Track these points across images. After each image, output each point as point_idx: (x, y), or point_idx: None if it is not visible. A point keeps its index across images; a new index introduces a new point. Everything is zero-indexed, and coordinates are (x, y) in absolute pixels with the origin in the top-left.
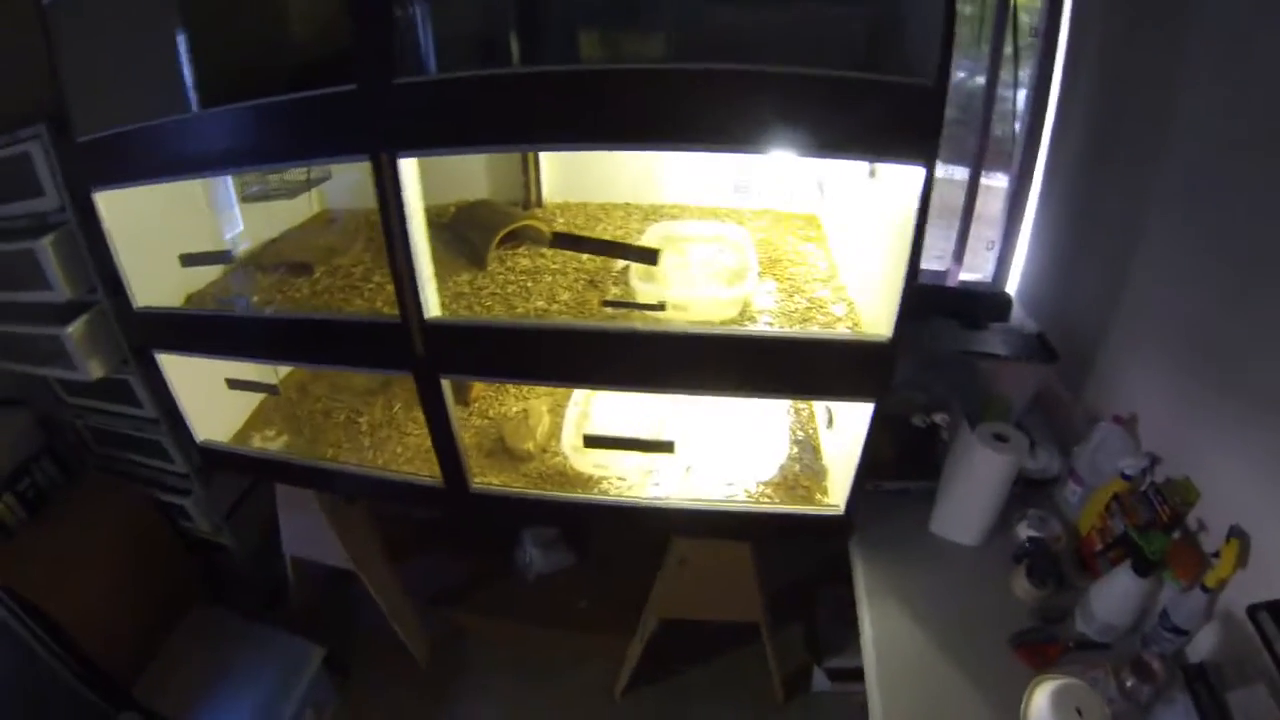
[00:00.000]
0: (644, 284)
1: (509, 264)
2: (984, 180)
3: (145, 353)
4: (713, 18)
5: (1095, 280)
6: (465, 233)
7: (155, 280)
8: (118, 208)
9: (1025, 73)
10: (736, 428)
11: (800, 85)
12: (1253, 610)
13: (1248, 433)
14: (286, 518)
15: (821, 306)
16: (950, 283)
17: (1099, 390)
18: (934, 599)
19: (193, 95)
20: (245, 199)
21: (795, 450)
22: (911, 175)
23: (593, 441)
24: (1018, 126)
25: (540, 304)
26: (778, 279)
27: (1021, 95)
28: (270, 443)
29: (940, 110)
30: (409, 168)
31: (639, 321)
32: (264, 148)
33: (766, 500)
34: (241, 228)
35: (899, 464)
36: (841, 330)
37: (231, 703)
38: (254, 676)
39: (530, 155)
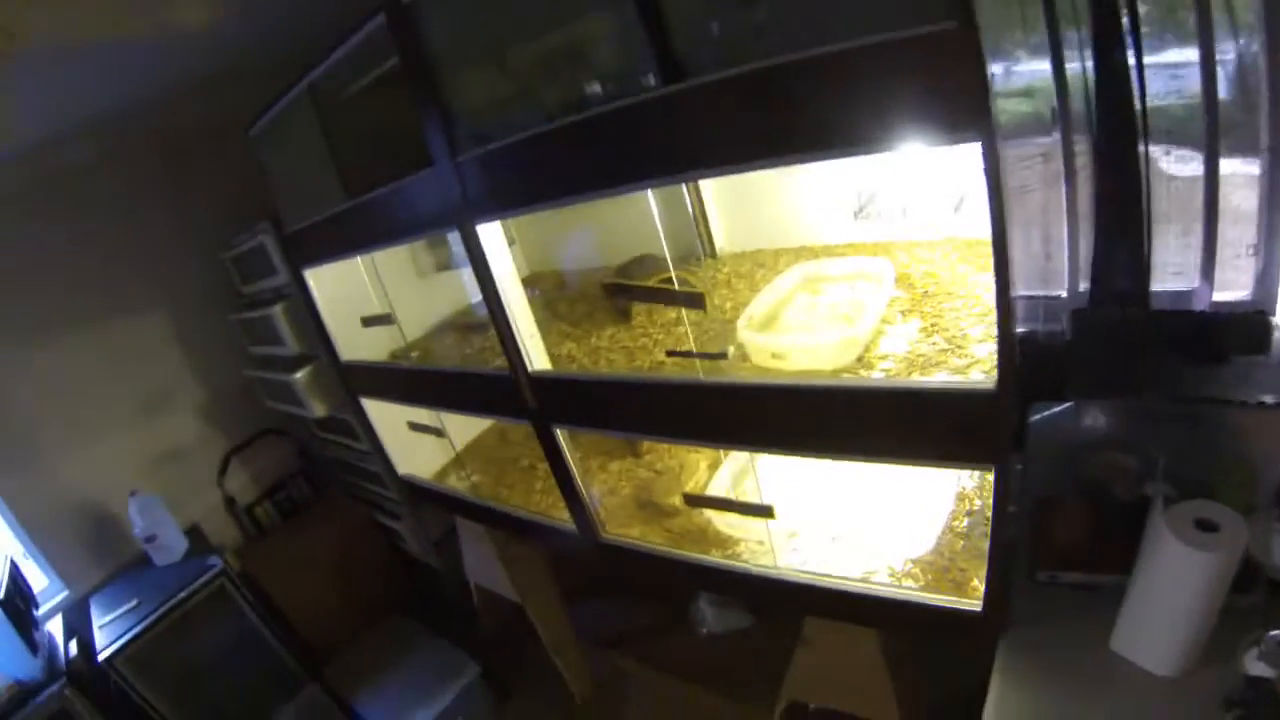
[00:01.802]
0: (753, 333)
1: (655, 317)
2: (1234, 169)
3: (354, 397)
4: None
5: None
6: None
7: (360, 338)
8: (324, 281)
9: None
10: (902, 495)
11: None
12: None
13: None
14: (467, 547)
15: (961, 348)
16: (1199, 305)
17: None
18: None
19: (342, 190)
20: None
21: (964, 524)
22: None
23: (692, 500)
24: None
25: (660, 357)
26: (924, 317)
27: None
28: (463, 481)
29: (976, 59)
30: (491, 232)
31: (704, 373)
32: (390, 228)
33: (910, 583)
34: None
35: (1089, 550)
36: (940, 377)
37: (389, 696)
38: (417, 679)
39: (697, 207)
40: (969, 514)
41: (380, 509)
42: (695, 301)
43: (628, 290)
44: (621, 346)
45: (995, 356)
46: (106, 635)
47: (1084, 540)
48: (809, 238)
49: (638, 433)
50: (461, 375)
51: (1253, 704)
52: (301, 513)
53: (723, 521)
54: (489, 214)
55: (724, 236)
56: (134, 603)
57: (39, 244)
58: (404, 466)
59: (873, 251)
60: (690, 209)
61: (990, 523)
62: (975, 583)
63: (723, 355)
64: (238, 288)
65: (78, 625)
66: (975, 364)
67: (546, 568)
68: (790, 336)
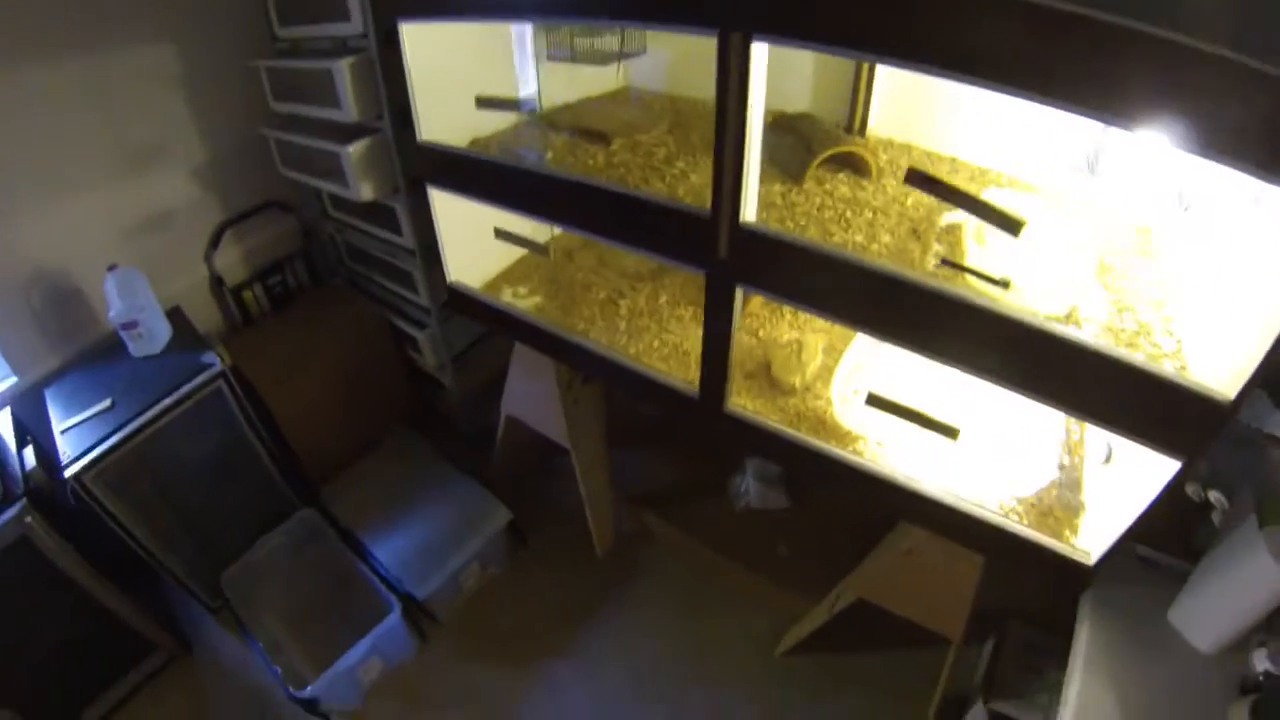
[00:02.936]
0: (981, 249)
1: (827, 187)
2: None
3: (419, 185)
4: None
5: None
6: (785, 142)
7: (442, 118)
8: (420, 41)
9: None
10: (1011, 431)
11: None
12: None
13: None
14: (516, 378)
15: (1149, 334)
16: None
17: None
18: (1149, 699)
19: None
20: (550, 59)
21: (1058, 475)
22: None
23: (875, 401)
24: None
25: (859, 239)
26: (1107, 289)
27: None
28: (521, 300)
29: None
30: (761, 54)
31: (967, 292)
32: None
33: (1015, 518)
34: (535, 87)
35: (1161, 531)
36: (1179, 370)
37: (404, 532)
38: (434, 517)
39: (864, 79)
40: (1060, 468)
41: (398, 312)
42: (1011, 226)
43: (932, 184)
44: (803, 212)
45: (1177, 354)
46: (73, 443)
47: (1158, 521)
48: (961, 151)
49: (832, 315)
50: (631, 199)
51: (1264, 692)
52: (297, 303)
53: (851, 416)
54: (770, 33)
55: (878, 116)
56: (106, 402)
57: None
58: (455, 274)
59: (1029, 191)
60: (856, 79)
61: (1151, 500)
62: (1067, 532)
63: (1004, 284)
64: (273, 29)
65: (32, 425)
66: (1163, 356)
67: (604, 414)
68: (1030, 269)
